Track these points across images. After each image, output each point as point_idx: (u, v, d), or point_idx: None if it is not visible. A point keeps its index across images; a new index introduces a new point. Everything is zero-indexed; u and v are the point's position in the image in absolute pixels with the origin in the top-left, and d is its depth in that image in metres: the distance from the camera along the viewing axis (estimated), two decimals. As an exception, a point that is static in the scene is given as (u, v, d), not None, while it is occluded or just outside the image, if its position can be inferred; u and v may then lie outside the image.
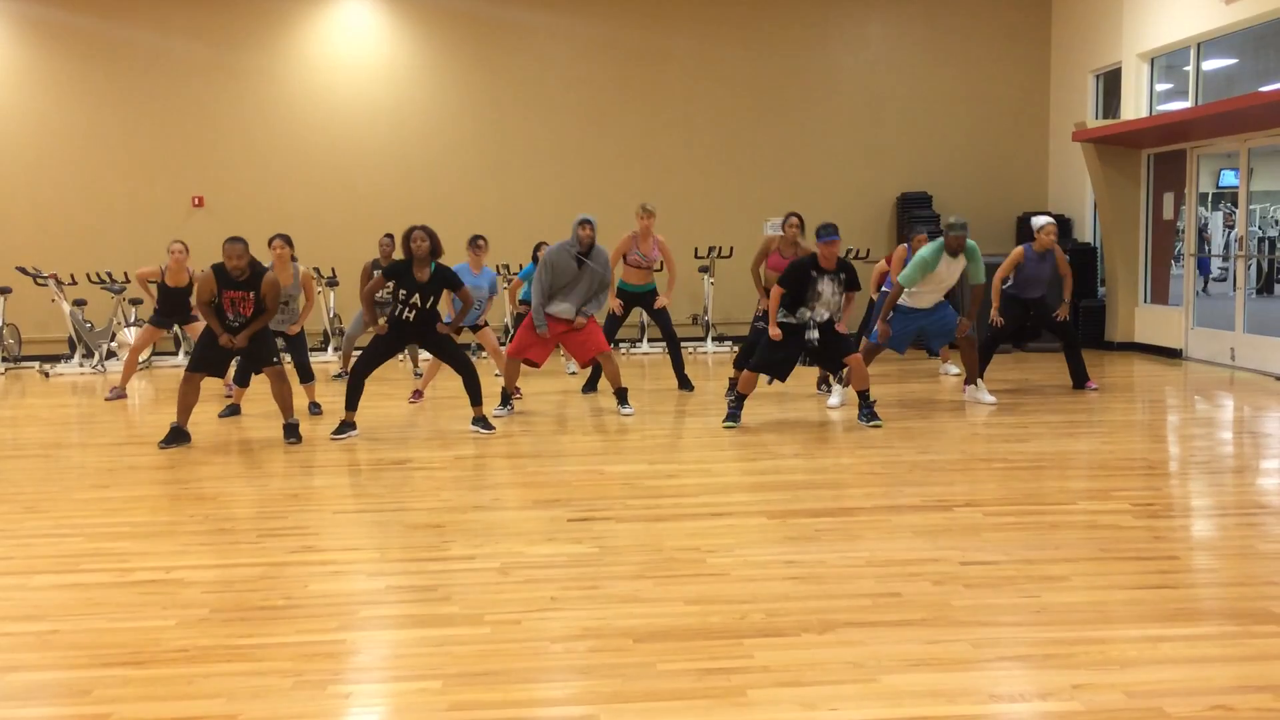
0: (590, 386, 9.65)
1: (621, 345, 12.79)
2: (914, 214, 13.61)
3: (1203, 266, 18.14)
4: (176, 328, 10.85)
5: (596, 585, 4.22)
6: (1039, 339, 9.49)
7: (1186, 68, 11.48)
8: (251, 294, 7.35)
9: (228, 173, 13.61)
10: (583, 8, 13.77)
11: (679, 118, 13.96)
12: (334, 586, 4.32)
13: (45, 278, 12.11)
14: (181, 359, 12.08)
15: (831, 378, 8.82)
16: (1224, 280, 17.57)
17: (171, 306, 9.80)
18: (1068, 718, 3.03)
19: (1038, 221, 9.07)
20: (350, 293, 11.94)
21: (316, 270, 12.95)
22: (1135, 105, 11.96)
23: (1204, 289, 17.71)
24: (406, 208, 12.86)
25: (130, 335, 12.13)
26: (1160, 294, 12.26)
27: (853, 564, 4.44)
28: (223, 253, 7.27)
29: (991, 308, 9.11)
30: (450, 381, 7.97)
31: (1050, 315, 9.08)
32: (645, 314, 11.54)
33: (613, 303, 9.30)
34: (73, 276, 12.59)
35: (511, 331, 9.74)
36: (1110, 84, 12.95)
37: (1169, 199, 11.85)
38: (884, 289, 9.14)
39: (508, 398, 8.53)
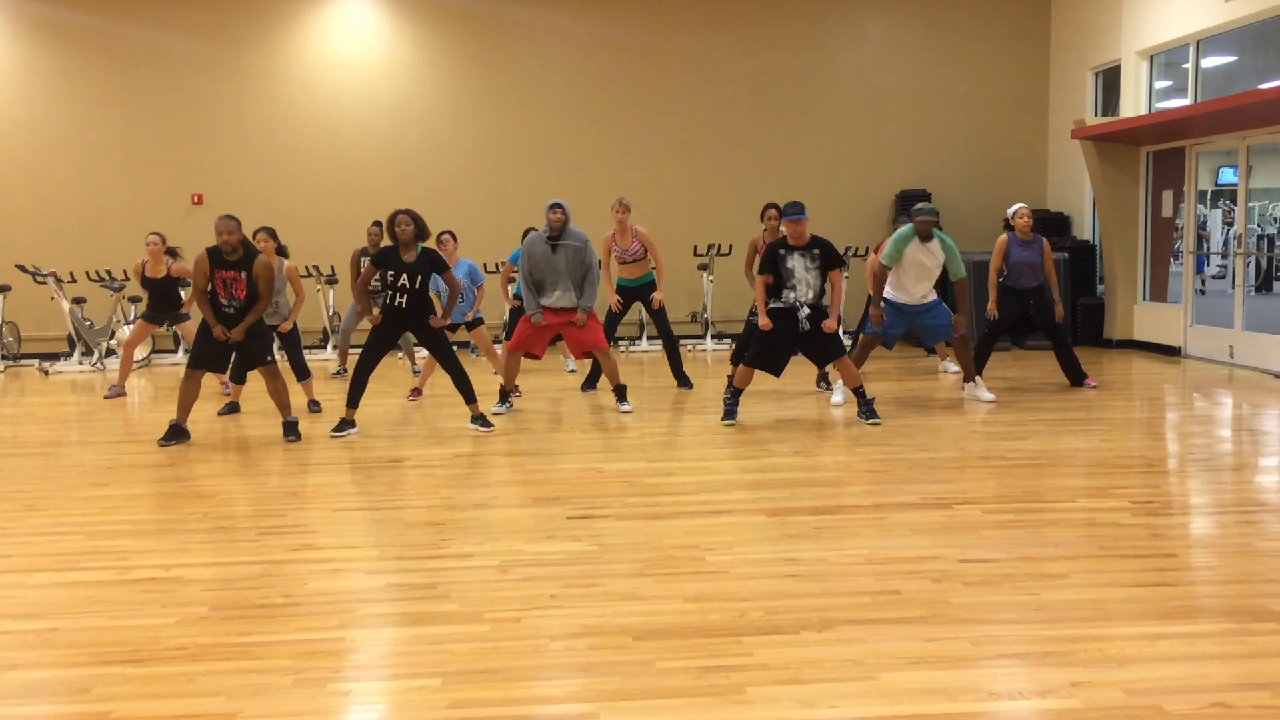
0: (589, 384, 9.65)
1: (620, 343, 12.79)
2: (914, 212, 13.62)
3: (1198, 266, 18.10)
4: (173, 329, 10.85)
5: (596, 583, 4.22)
6: (1038, 332, 9.51)
7: (1186, 65, 11.49)
8: (243, 274, 7.31)
9: (227, 170, 13.60)
10: (582, 6, 13.76)
11: (679, 116, 13.95)
12: (333, 584, 4.32)
13: (44, 276, 12.11)
14: (181, 357, 12.09)
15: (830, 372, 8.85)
16: (1223, 278, 17.57)
17: (158, 300, 9.84)
18: (1067, 715, 3.04)
19: (1012, 209, 9.27)
20: (349, 289, 11.92)
21: (316, 268, 12.96)
22: (1134, 103, 11.95)
23: (1201, 289, 17.68)
24: (405, 205, 12.81)
25: (129, 333, 12.14)
26: (1159, 292, 12.27)
27: (852, 562, 4.45)
28: (215, 229, 7.27)
29: (989, 302, 9.17)
30: (449, 379, 7.97)
31: (1050, 306, 9.10)
32: (644, 311, 11.54)
33: (611, 300, 9.32)
34: (72, 274, 12.59)
35: (508, 328, 9.73)
36: (1109, 81, 12.95)
37: (1168, 196, 11.85)
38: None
39: (506, 395, 8.53)
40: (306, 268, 12.76)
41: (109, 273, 12.53)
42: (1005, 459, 6.47)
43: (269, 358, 7.61)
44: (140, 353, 12.10)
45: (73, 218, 13.52)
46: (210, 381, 9.03)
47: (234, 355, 7.85)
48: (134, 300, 12.46)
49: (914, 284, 8.35)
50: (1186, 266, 11.77)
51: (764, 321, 7.65)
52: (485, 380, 9.26)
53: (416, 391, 9.27)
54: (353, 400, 7.58)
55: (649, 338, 13.02)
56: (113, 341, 12.31)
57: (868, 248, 13.31)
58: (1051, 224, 13.18)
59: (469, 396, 7.69)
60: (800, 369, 9.16)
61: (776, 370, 7.85)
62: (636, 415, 8.23)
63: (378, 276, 7.67)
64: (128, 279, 12.08)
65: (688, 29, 13.86)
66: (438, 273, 7.62)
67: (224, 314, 7.37)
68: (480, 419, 7.68)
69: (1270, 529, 4.92)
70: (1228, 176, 17.83)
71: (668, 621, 3.79)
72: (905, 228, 8.36)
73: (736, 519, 5.18)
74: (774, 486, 5.86)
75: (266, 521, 5.33)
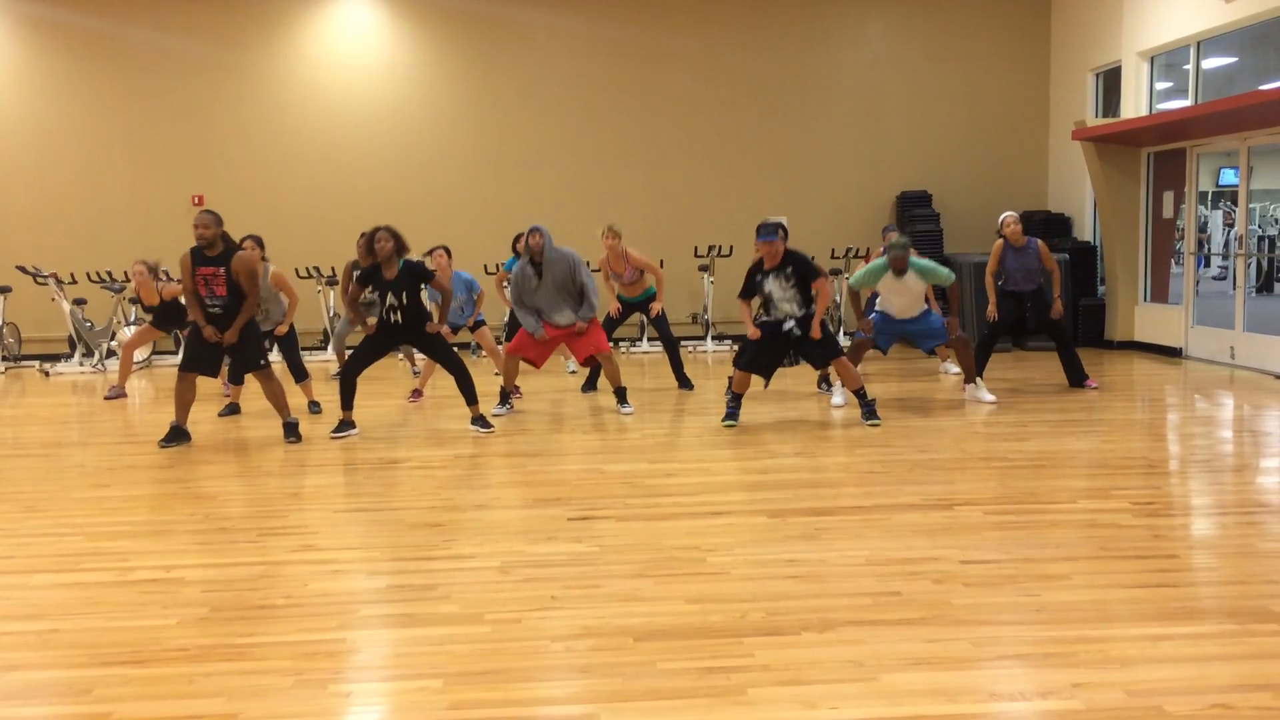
0: (590, 385, 9.65)
1: (621, 344, 12.79)
2: (914, 212, 13.63)
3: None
4: (175, 332, 10.84)
5: (597, 584, 4.22)
6: (1038, 334, 9.53)
7: (1186, 66, 11.48)
8: (222, 271, 7.25)
9: (227, 171, 13.60)
10: (582, 6, 13.76)
11: (679, 117, 13.95)
12: (334, 585, 4.32)
13: (45, 277, 12.11)
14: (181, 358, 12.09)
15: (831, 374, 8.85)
16: (1224, 279, 17.56)
17: (164, 319, 9.80)
18: (1068, 716, 3.03)
19: (1001, 218, 9.30)
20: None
21: (316, 269, 12.96)
22: (1135, 104, 11.95)
23: (1196, 290, 17.65)
24: (406, 206, 12.89)
25: (130, 334, 12.13)
26: (1160, 293, 12.27)
27: (853, 563, 4.44)
28: (193, 224, 7.24)
29: (989, 305, 9.19)
30: (449, 380, 7.98)
31: (1048, 309, 9.11)
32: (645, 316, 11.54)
33: (611, 307, 9.39)
34: (72, 275, 12.59)
35: (508, 329, 9.74)
36: (1110, 82, 12.95)
37: (1169, 197, 11.85)
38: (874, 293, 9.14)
39: (506, 396, 8.52)
40: (306, 268, 12.77)
41: (109, 274, 12.53)
42: (1006, 460, 6.47)
43: (262, 361, 7.58)
44: (140, 354, 12.12)
45: (73, 219, 13.52)
46: (211, 382, 9.02)
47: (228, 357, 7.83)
48: (134, 301, 12.45)
49: (898, 308, 8.38)
50: (1187, 267, 11.77)
51: (751, 331, 7.73)
52: (486, 381, 9.25)
53: (417, 393, 9.27)
54: (346, 402, 7.58)
55: (649, 339, 13.01)
56: (113, 342, 12.32)
57: (868, 249, 13.30)
58: (1052, 225, 13.18)
59: (471, 398, 7.69)
60: (801, 369, 9.16)
61: (765, 376, 7.88)
62: (637, 416, 8.23)
63: (367, 291, 7.67)
64: (128, 279, 12.08)
65: (688, 29, 13.86)
66: (423, 283, 7.61)
67: (209, 313, 7.33)
68: (481, 420, 7.68)
69: (1271, 530, 4.91)
70: (1228, 177, 17.81)
71: (669, 622, 3.79)
72: (879, 260, 8.34)
73: (737, 520, 5.17)
74: (775, 488, 5.86)
75: (267, 522, 5.32)
